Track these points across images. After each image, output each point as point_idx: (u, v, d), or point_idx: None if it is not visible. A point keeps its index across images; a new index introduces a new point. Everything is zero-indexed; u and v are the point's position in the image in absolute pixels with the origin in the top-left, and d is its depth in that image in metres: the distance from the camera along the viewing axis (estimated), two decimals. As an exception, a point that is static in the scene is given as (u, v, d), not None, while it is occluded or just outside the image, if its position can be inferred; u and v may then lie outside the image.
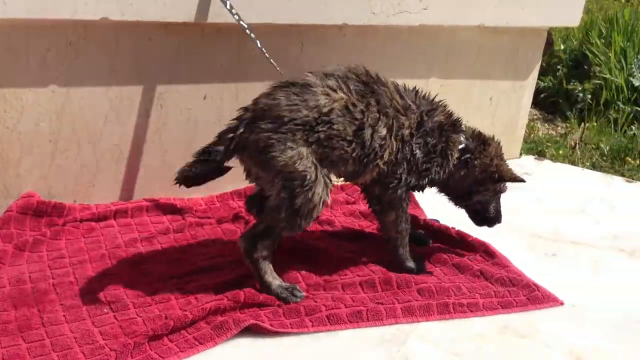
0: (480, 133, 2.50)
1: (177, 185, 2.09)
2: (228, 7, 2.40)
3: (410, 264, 2.39)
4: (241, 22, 2.42)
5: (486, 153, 2.45)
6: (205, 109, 2.75)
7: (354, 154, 2.13)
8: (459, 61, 3.37)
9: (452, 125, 2.39)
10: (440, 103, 2.38)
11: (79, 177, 2.58)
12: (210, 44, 2.63)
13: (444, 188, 2.47)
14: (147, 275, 2.21)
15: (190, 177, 2.07)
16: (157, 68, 2.59)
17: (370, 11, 2.90)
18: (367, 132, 2.12)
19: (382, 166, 2.21)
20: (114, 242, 2.39)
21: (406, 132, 2.23)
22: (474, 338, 2.08)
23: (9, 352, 1.77)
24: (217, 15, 2.52)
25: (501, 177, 2.47)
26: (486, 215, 2.53)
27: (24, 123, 2.40)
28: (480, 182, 2.44)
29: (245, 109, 2.10)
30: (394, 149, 2.21)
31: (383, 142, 2.16)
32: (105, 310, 2.00)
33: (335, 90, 2.10)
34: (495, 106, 3.62)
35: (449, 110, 2.40)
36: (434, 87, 3.32)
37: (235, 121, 2.08)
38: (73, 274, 2.17)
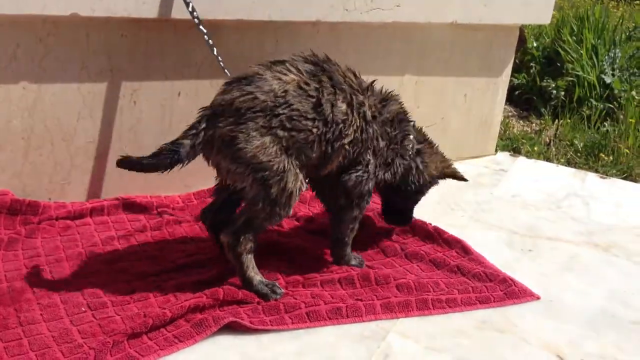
0: (421, 128, 2.54)
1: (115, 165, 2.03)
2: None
3: (355, 261, 2.41)
4: (195, 17, 2.40)
5: (435, 149, 2.51)
6: (180, 106, 2.73)
7: (318, 132, 2.12)
8: (433, 58, 3.39)
9: (405, 115, 2.43)
10: (392, 93, 2.41)
11: (53, 175, 2.54)
12: (183, 40, 2.61)
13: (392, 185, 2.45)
14: (124, 273, 2.19)
15: (134, 163, 2.02)
16: (130, 65, 2.56)
17: (344, 8, 2.90)
18: (327, 107, 2.13)
19: (347, 147, 2.21)
20: (91, 240, 2.36)
21: (368, 112, 2.24)
22: (453, 333, 2.10)
23: (-16, 353, 1.74)
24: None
25: (453, 174, 2.56)
26: (408, 214, 2.58)
27: (-5, 120, 2.36)
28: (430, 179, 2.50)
29: (204, 108, 2.11)
30: (358, 125, 2.21)
31: (345, 117, 2.17)
32: (83, 309, 1.97)
33: (285, 74, 2.12)
34: (470, 103, 3.66)
35: (401, 101, 2.43)
36: (408, 84, 3.35)
37: (196, 121, 2.08)
38: (50, 273, 2.13)
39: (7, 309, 1.93)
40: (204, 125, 2.05)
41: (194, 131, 2.05)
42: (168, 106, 2.71)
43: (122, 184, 2.68)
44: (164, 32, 2.54)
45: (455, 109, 3.61)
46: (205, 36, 2.42)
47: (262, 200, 2.08)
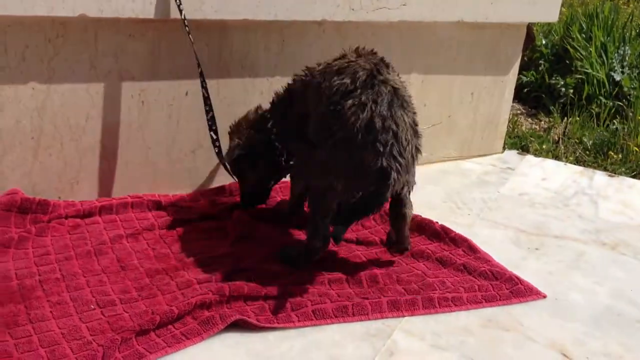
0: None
1: None
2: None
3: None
4: (182, 12, 2.41)
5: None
6: (187, 105, 2.75)
7: None
8: (439, 57, 3.40)
9: None
10: None
11: (62, 174, 2.56)
12: (187, 40, 2.63)
13: None
14: (133, 271, 2.21)
15: None
16: (138, 65, 2.58)
17: (350, 7, 2.91)
18: None
19: None
20: (100, 239, 2.38)
21: None
22: (459, 331, 2.11)
23: (-5, 348, 1.77)
24: (196, 11, 2.52)
25: None
26: None
27: (5, 120, 2.38)
28: None
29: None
30: None
31: None
32: (92, 307, 1.99)
33: None
34: (477, 101, 3.66)
35: None
36: (415, 83, 3.36)
37: None
38: (59, 271, 2.15)
39: (18, 306, 1.95)
40: None
41: None
42: (176, 106, 2.73)
43: (131, 183, 2.70)
44: (171, 32, 2.56)
45: (462, 107, 3.61)
46: (187, 28, 2.44)
47: None
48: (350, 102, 2.13)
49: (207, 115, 2.61)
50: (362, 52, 2.35)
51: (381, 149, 2.09)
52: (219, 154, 2.66)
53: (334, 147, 2.14)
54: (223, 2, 2.57)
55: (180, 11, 2.43)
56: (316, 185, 2.28)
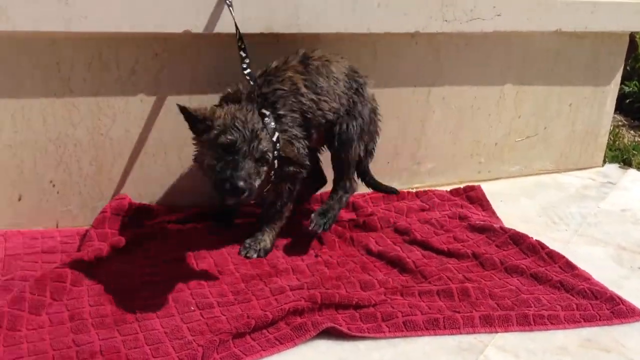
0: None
1: None
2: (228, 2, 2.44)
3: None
4: (235, 21, 2.44)
5: None
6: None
7: None
8: (535, 67, 3.32)
9: None
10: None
11: (165, 181, 2.71)
12: (284, 52, 2.70)
13: None
14: (229, 276, 2.30)
15: None
16: (235, 77, 2.68)
17: (443, 19, 2.90)
18: None
19: None
20: (199, 244, 2.48)
21: None
22: (555, 351, 2.05)
23: (106, 343, 1.89)
24: (292, 25, 2.60)
25: None
26: None
27: (116, 130, 2.54)
28: None
29: None
30: None
31: None
32: (192, 308, 2.09)
33: None
34: (575, 113, 3.54)
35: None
36: (509, 94, 3.30)
37: None
38: (162, 273, 2.27)
39: (125, 304, 2.07)
40: None
41: None
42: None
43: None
44: (267, 45, 2.65)
45: (559, 119, 3.50)
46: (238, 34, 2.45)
47: None
48: None
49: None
50: None
51: None
52: None
53: None
54: (317, 16, 2.64)
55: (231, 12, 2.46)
56: None
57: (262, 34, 2.56)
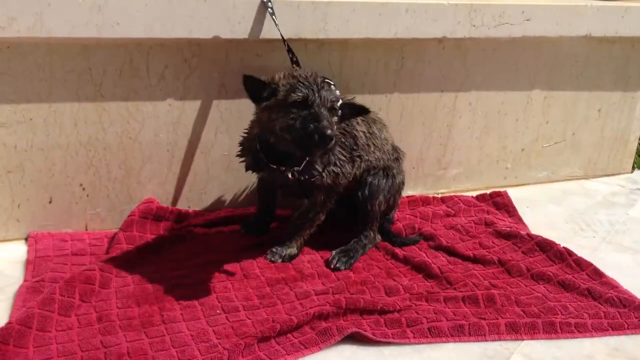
0: None
1: None
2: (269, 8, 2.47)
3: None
4: (276, 23, 2.47)
5: None
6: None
7: None
8: (564, 72, 3.29)
9: None
10: None
11: (192, 185, 2.74)
12: (312, 57, 2.72)
13: None
14: (255, 280, 2.32)
15: None
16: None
17: (471, 24, 2.89)
18: None
19: None
20: (225, 248, 2.51)
21: None
22: (582, 359, 2.02)
23: (133, 345, 1.91)
24: (320, 31, 2.62)
25: None
26: None
27: (145, 134, 2.58)
28: None
29: None
30: None
31: None
32: (218, 312, 2.11)
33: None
34: (604, 118, 3.49)
35: None
36: (537, 99, 3.27)
37: None
38: (189, 276, 2.30)
39: (152, 307, 2.11)
40: None
41: None
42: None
43: (253, 195, 2.83)
44: (295, 51, 2.66)
45: (588, 124, 3.46)
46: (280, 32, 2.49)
47: None
48: None
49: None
50: None
51: None
52: None
53: None
54: (345, 22, 2.65)
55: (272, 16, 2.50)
56: None
57: (290, 40, 2.57)
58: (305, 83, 2.18)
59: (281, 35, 2.47)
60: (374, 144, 2.54)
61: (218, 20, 2.44)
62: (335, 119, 2.24)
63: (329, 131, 2.10)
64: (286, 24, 2.54)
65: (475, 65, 3.06)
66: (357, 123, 2.50)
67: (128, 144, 2.57)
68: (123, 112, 2.52)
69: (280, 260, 2.45)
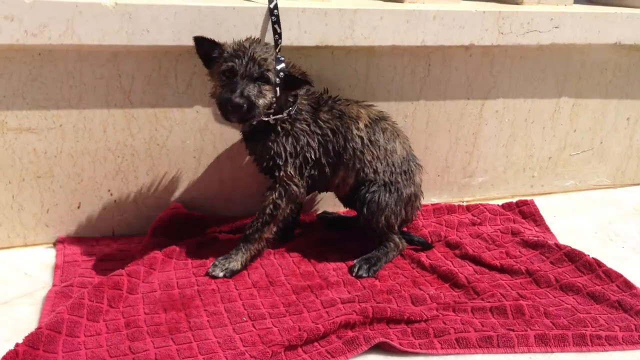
0: None
1: None
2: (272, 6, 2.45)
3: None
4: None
5: None
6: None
7: None
8: (592, 80, 3.25)
9: None
10: None
11: (218, 191, 2.75)
12: (339, 64, 2.72)
13: None
14: (280, 287, 2.32)
15: None
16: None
17: (499, 31, 2.87)
18: None
19: None
20: (250, 254, 2.51)
21: None
22: (613, 373, 2.00)
23: (161, 352, 1.92)
24: (347, 38, 2.62)
25: None
26: None
27: (172, 140, 2.60)
28: None
29: None
30: None
31: None
32: (244, 319, 2.11)
33: None
34: (634, 127, 3.44)
35: None
36: (565, 107, 3.24)
37: None
38: (214, 282, 2.30)
39: (179, 313, 2.11)
40: None
41: None
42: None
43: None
44: (321, 58, 2.67)
45: (616, 133, 3.41)
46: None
47: None
48: None
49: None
50: None
51: None
52: None
53: None
54: (372, 29, 2.65)
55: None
56: None
57: (317, 47, 2.58)
58: (239, 53, 2.25)
59: (269, 8, 2.45)
60: (372, 153, 2.46)
61: (246, 28, 2.45)
62: (267, 87, 2.27)
63: (237, 99, 2.19)
64: (313, 31, 2.54)
65: (502, 73, 3.04)
66: (358, 128, 2.44)
67: (155, 150, 2.59)
68: (151, 119, 2.54)
69: (222, 275, 2.34)
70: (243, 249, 2.40)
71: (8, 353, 1.81)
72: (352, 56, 2.73)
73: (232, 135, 2.68)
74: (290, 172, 2.38)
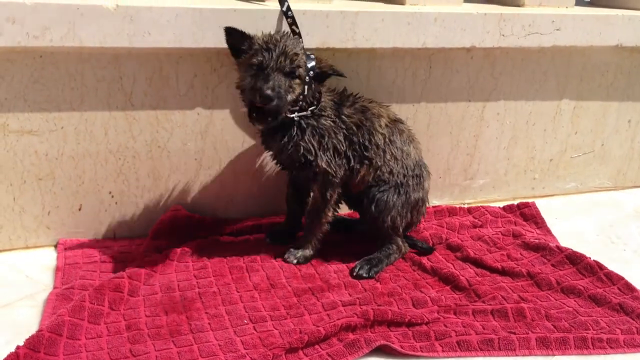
0: None
1: None
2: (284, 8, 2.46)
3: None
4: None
5: None
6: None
7: None
8: (593, 82, 3.24)
9: None
10: None
11: (219, 193, 2.75)
12: (340, 66, 2.66)
13: None
14: (281, 290, 2.31)
15: None
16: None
17: (500, 33, 2.87)
18: None
19: None
20: (251, 256, 2.50)
21: None
22: (615, 376, 1.99)
23: (161, 354, 1.92)
24: (348, 40, 2.62)
25: None
26: None
27: (173, 142, 2.60)
28: None
29: None
30: None
31: None
32: (245, 321, 2.11)
33: None
34: (635, 129, 3.44)
35: None
36: (566, 109, 3.23)
37: None
38: (215, 285, 2.30)
39: (180, 316, 2.11)
40: None
41: None
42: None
43: (280, 204, 2.82)
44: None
45: (618, 135, 3.41)
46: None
47: None
48: None
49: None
50: None
51: None
52: None
53: None
54: (374, 31, 2.65)
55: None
56: None
57: (318, 49, 2.58)
58: (270, 46, 2.25)
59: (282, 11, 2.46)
60: (391, 153, 2.49)
61: (248, 30, 2.44)
62: (297, 82, 2.28)
63: (268, 91, 2.18)
64: (314, 33, 2.54)
65: (504, 75, 3.04)
66: (380, 125, 2.48)
67: (157, 153, 2.59)
68: (152, 121, 2.54)
69: (295, 262, 2.47)
70: (310, 237, 2.51)
71: (9, 355, 1.80)
72: (354, 58, 2.73)
73: (233, 137, 2.68)
74: (323, 166, 2.40)
